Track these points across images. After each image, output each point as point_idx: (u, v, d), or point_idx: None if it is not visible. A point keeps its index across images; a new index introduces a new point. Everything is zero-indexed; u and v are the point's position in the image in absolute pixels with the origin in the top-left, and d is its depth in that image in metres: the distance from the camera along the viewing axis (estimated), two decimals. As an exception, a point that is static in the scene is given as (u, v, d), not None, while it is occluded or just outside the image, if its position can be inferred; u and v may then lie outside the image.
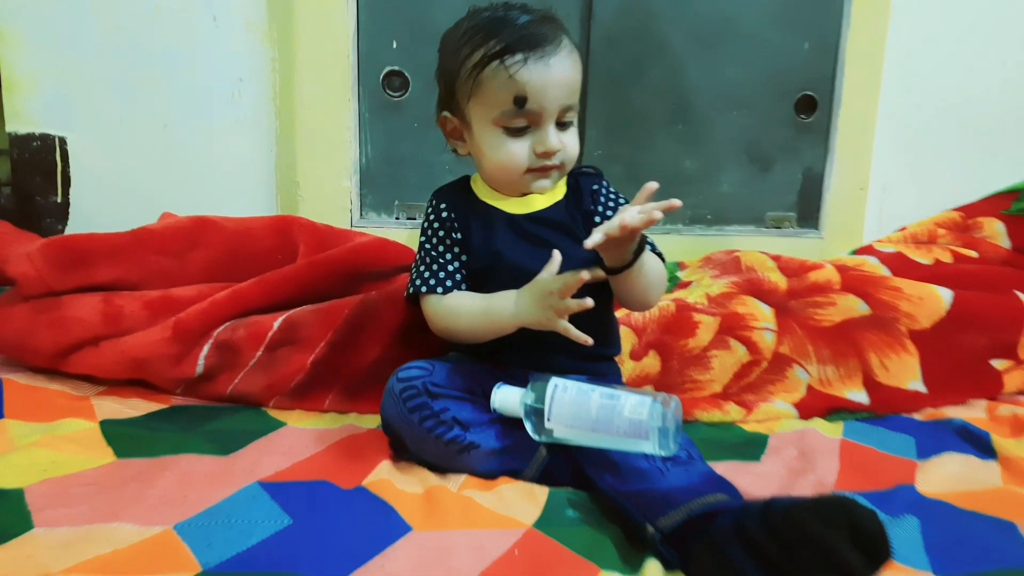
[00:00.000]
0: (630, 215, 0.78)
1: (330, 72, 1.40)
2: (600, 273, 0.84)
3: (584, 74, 0.92)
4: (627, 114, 1.49)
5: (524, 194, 0.94)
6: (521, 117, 0.88)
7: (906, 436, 1.02)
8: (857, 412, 1.11)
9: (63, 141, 1.43)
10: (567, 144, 0.91)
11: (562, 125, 0.91)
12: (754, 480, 0.87)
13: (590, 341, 0.83)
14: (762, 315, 1.17)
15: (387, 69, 1.43)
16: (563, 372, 0.89)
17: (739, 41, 1.49)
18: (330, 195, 1.44)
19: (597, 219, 0.93)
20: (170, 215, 1.27)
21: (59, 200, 1.46)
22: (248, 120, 1.44)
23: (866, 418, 1.10)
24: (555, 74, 0.87)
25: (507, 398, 0.86)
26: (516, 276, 0.88)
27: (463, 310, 0.90)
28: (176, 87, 1.42)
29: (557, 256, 0.83)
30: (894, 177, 1.59)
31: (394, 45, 1.42)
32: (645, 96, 1.49)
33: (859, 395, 1.11)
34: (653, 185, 0.80)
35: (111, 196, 1.45)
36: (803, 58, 1.50)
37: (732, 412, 1.09)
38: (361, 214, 1.48)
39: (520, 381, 0.87)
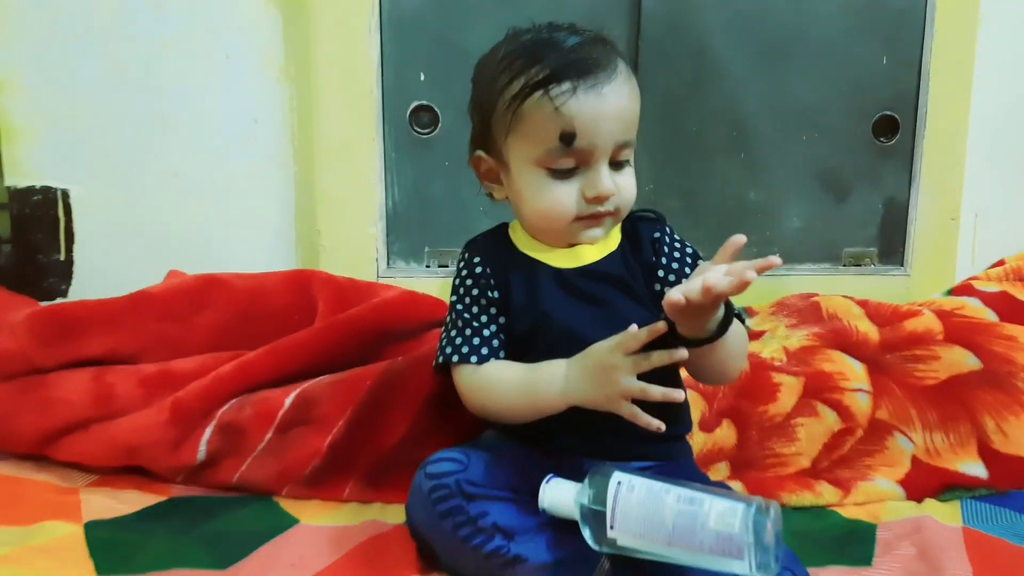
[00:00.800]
0: (715, 277, 0.64)
1: (353, 109, 1.33)
2: (682, 354, 0.71)
3: (635, 100, 0.81)
4: (683, 141, 1.40)
5: (571, 245, 0.82)
6: (569, 157, 0.77)
7: (1039, 519, 0.88)
8: (974, 488, 0.98)
9: (66, 194, 1.36)
10: (622, 187, 0.80)
11: (616, 165, 0.79)
12: (871, 596, 0.73)
13: (663, 427, 0.71)
14: (853, 373, 1.05)
15: (415, 104, 1.36)
16: (624, 457, 0.78)
17: (808, 56, 1.39)
18: (354, 243, 1.36)
19: (661, 273, 0.81)
20: (178, 274, 1.19)
21: (62, 258, 1.38)
22: (264, 164, 1.37)
23: (986, 495, 0.97)
24: (609, 106, 0.76)
25: (559, 496, 0.73)
26: (566, 341, 0.77)
27: (502, 384, 0.79)
28: (186, 131, 1.35)
29: (634, 329, 0.70)
30: (988, 204, 1.46)
31: (422, 77, 1.35)
32: (702, 120, 1.40)
33: (975, 467, 0.99)
34: (740, 239, 0.68)
35: (118, 252, 1.37)
36: (882, 74, 1.40)
37: (826, 494, 0.96)
38: (388, 263, 1.40)
39: (575, 472, 0.74)
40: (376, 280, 1.36)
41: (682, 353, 0.71)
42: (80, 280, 1.38)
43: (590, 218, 0.80)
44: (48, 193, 1.36)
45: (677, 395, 0.70)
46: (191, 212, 1.37)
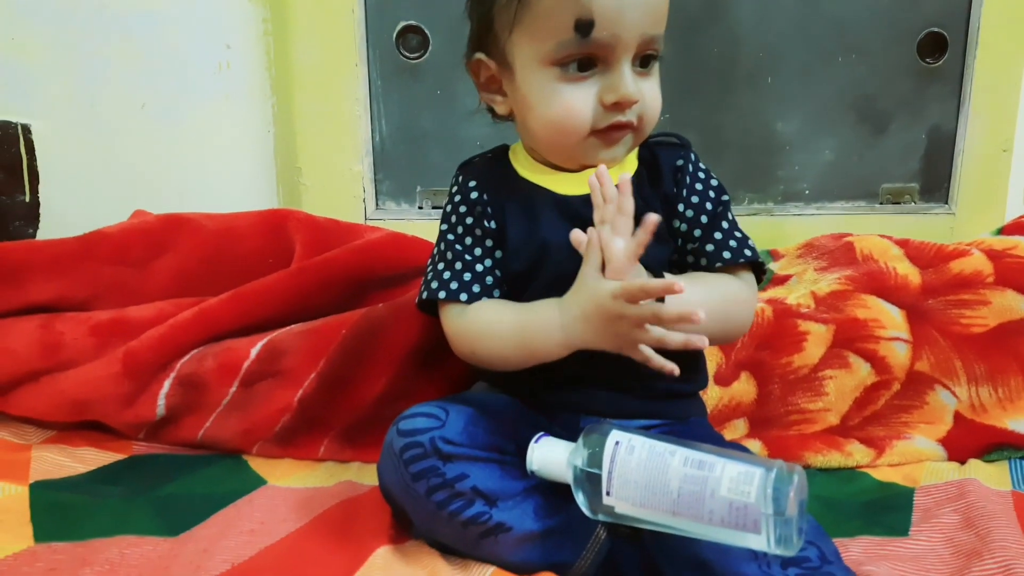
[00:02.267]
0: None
1: (333, 32, 1.28)
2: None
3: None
4: (701, 67, 1.35)
5: (583, 167, 0.74)
6: (585, 50, 0.68)
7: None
8: None
9: (27, 129, 1.31)
10: (647, 95, 0.71)
11: (643, 63, 0.71)
12: (908, 570, 0.67)
13: (676, 370, 0.64)
14: (890, 320, 0.98)
15: (402, 24, 1.31)
16: (627, 414, 0.72)
17: None
18: (339, 182, 1.32)
19: (680, 207, 0.74)
20: (143, 213, 1.13)
21: (27, 199, 1.33)
22: (239, 95, 1.31)
23: None
24: None
25: (550, 456, 0.66)
26: (569, 280, 0.69)
27: (493, 327, 0.72)
28: (154, 59, 1.29)
29: (641, 275, 0.64)
30: None
31: None
32: (723, 45, 1.34)
33: None
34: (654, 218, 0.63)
35: (86, 192, 1.33)
36: None
37: (857, 454, 0.90)
38: (377, 203, 1.35)
39: (570, 430, 0.68)
40: (364, 222, 1.32)
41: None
42: (48, 222, 1.34)
43: (608, 131, 0.71)
44: (8, 129, 1.30)
45: (700, 341, 0.62)
46: (162, 148, 1.32)
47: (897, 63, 1.36)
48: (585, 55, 0.69)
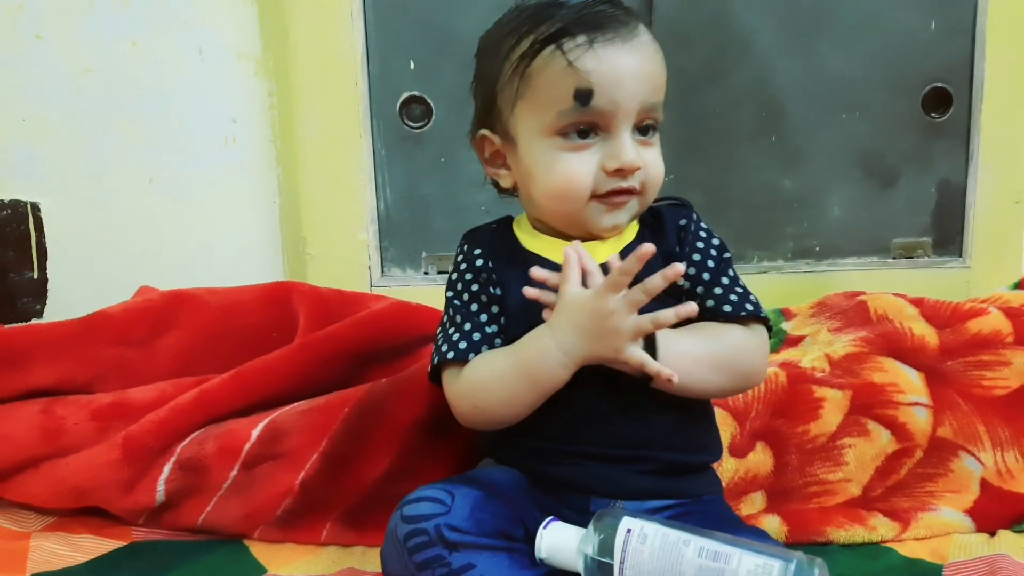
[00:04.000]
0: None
1: (337, 103, 1.30)
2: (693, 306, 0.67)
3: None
4: (704, 127, 1.36)
5: (588, 235, 0.74)
6: (585, 118, 0.70)
7: None
8: None
9: (36, 207, 1.32)
10: (649, 161, 0.72)
11: (643, 132, 0.73)
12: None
13: (675, 377, 0.65)
14: (909, 384, 0.95)
15: (405, 95, 1.33)
16: (639, 494, 0.71)
17: (845, 25, 1.34)
18: (344, 251, 1.33)
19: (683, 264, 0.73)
20: (148, 290, 1.13)
21: (35, 276, 1.34)
22: (245, 168, 1.32)
23: None
24: (632, 59, 0.70)
25: (560, 543, 0.65)
26: None
27: (491, 373, 0.71)
28: (161, 135, 1.31)
29: (616, 261, 0.67)
30: None
31: (412, 66, 1.32)
32: (726, 103, 1.36)
33: None
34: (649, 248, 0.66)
35: (94, 268, 1.33)
36: (930, 41, 1.35)
37: (881, 528, 0.86)
38: (383, 271, 1.36)
39: (581, 513, 0.68)
40: (370, 290, 1.32)
41: (691, 307, 0.66)
42: (55, 299, 1.35)
43: (611, 195, 0.72)
44: (17, 207, 1.31)
45: (688, 308, 0.65)
46: (169, 222, 1.33)
47: (902, 119, 1.37)
48: (585, 123, 0.70)
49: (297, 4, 1.26)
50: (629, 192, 0.72)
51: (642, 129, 0.72)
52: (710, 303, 0.73)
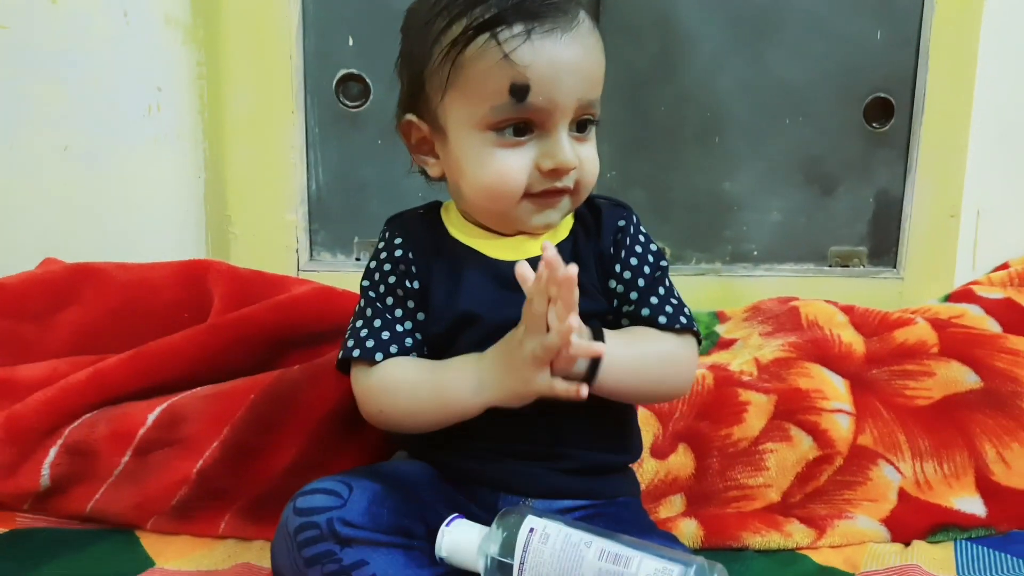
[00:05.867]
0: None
1: (270, 78, 1.28)
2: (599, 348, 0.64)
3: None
4: (649, 126, 1.37)
5: (517, 232, 0.73)
6: (521, 115, 0.68)
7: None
8: (970, 528, 0.89)
9: None
10: (585, 159, 0.71)
11: (580, 128, 0.71)
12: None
13: (584, 393, 0.63)
14: (833, 391, 0.97)
15: (342, 72, 1.31)
16: (550, 492, 0.70)
17: (791, 30, 1.37)
18: (271, 232, 1.31)
19: (617, 267, 0.74)
20: (53, 261, 1.09)
21: None
22: (169, 139, 1.30)
23: (983, 536, 0.89)
24: (572, 53, 0.68)
25: (461, 542, 0.64)
26: (488, 347, 0.68)
27: (404, 384, 0.70)
28: (79, 100, 1.28)
29: (550, 249, 0.61)
30: (992, 200, 1.42)
31: (350, 42, 1.31)
32: (672, 103, 1.37)
33: (972, 503, 0.90)
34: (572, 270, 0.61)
35: (2, 237, 1.29)
36: (875, 51, 1.38)
37: (797, 534, 0.86)
38: (312, 254, 1.34)
39: (488, 510, 0.67)
40: (297, 274, 1.30)
41: (597, 347, 0.64)
42: (-42, 269, 1.31)
43: (544, 195, 0.70)
44: (-81, 168, 1.26)
45: (597, 348, 0.63)
46: (85, 192, 1.30)
47: (844, 127, 1.40)
48: (521, 120, 0.68)
49: (231, -29, 1.23)
50: (563, 192, 0.71)
51: (579, 125, 0.71)
52: (645, 311, 0.72)
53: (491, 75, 0.67)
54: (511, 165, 0.69)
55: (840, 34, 1.36)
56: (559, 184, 0.70)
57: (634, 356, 0.69)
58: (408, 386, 0.70)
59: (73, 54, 1.26)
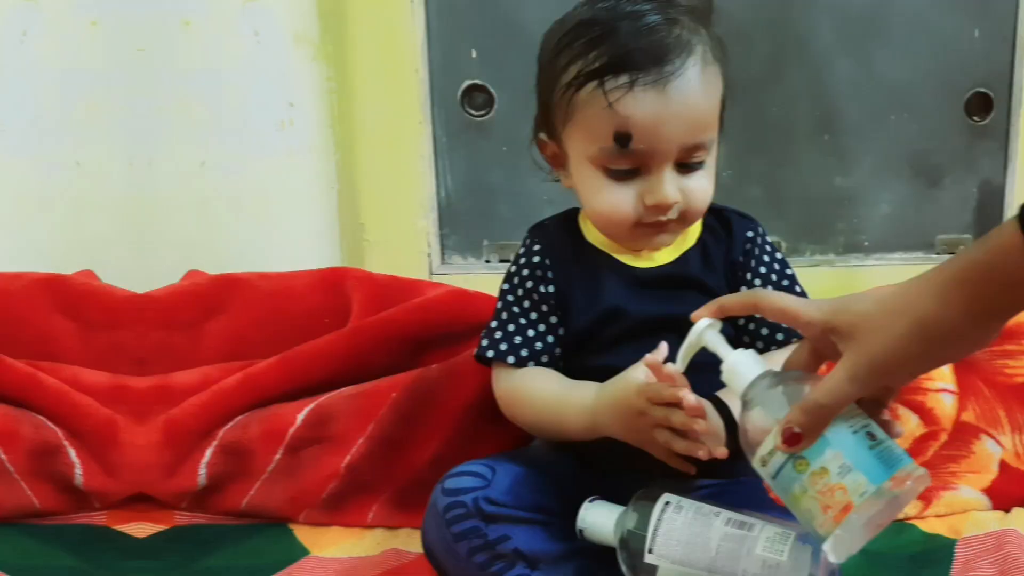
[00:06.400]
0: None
1: (397, 90, 1.30)
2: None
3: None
4: (763, 125, 1.37)
5: (638, 250, 0.79)
6: (624, 159, 0.73)
7: None
8: None
9: None
10: (691, 191, 0.74)
11: (685, 167, 0.74)
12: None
13: (692, 470, 0.68)
14: (938, 372, 1.00)
15: (467, 83, 1.33)
16: (687, 488, 0.73)
17: (895, 30, 1.36)
18: (404, 238, 1.34)
19: (748, 275, 0.78)
20: (197, 274, 1.14)
21: None
22: (302, 152, 1.32)
23: None
24: (673, 105, 0.70)
25: (600, 518, 0.69)
26: (628, 343, 0.74)
27: (534, 395, 0.76)
28: (214, 117, 1.29)
29: (663, 347, 0.66)
30: None
31: (474, 54, 1.32)
32: (784, 102, 1.37)
33: None
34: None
35: (143, 253, 1.29)
36: (974, 49, 1.36)
37: (905, 506, 0.90)
38: (443, 258, 1.37)
39: (623, 493, 0.71)
40: (429, 278, 1.32)
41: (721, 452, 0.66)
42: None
43: (652, 225, 0.75)
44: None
45: (719, 452, 0.65)
46: (222, 207, 1.31)
47: (947, 121, 1.37)
48: (625, 162, 0.73)
49: (355, -11, 1.24)
50: (669, 223, 0.75)
51: (686, 166, 0.73)
52: (764, 331, 0.76)
53: (599, 120, 0.71)
54: (620, 199, 0.74)
55: (940, 33, 1.35)
56: (663, 218, 0.74)
57: None
58: (536, 401, 0.76)
59: (207, 74, 1.26)
